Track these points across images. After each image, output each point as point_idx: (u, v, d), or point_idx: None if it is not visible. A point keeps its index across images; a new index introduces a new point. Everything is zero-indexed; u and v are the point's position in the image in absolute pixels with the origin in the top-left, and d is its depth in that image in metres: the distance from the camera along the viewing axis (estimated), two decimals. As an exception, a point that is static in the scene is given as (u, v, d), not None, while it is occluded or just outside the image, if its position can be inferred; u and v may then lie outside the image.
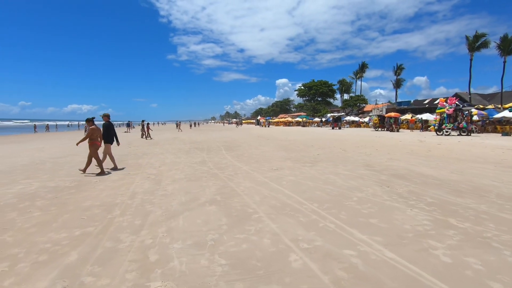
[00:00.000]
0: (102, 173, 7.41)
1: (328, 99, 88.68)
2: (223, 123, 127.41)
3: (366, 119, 49.56)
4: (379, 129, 33.21)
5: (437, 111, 23.84)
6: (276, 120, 73.09)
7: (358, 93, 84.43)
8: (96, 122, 7.93)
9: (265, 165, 8.73)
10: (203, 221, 3.90)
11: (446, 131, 21.75)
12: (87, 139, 7.51)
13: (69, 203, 4.85)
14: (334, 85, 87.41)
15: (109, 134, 8.39)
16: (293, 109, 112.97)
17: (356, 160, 9.49)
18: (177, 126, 42.26)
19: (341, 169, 7.91)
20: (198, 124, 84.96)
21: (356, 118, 52.72)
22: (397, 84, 77.38)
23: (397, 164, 8.68)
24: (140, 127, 23.97)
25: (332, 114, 48.40)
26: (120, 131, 39.56)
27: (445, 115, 22.16)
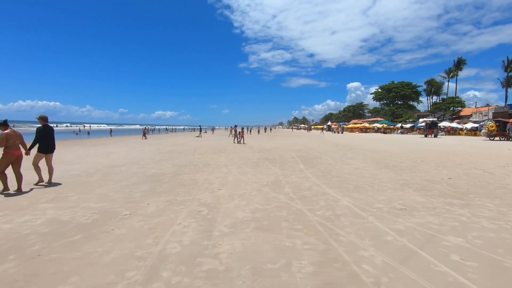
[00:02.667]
0: (18, 189, 5.94)
1: (411, 103, 77.13)
2: (292, 128, 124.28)
3: (468, 125, 40.46)
4: (497, 138, 25.61)
5: None
6: (351, 125, 66.49)
7: (449, 95, 71.42)
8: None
9: (376, 197, 5.48)
10: None
11: None
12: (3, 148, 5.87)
13: (41, 278, 2.60)
14: (419, 86, 75.70)
15: (44, 141, 6.67)
16: (367, 114, 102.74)
17: (542, 197, 5.44)
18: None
19: (540, 219, 4.16)
20: (270, 129, 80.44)
21: (454, 124, 43.59)
22: (508, 83, 62.57)
23: None
24: (233, 132, 23.49)
25: (424, 119, 40.77)
26: (191, 136, 39.99)
27: None
